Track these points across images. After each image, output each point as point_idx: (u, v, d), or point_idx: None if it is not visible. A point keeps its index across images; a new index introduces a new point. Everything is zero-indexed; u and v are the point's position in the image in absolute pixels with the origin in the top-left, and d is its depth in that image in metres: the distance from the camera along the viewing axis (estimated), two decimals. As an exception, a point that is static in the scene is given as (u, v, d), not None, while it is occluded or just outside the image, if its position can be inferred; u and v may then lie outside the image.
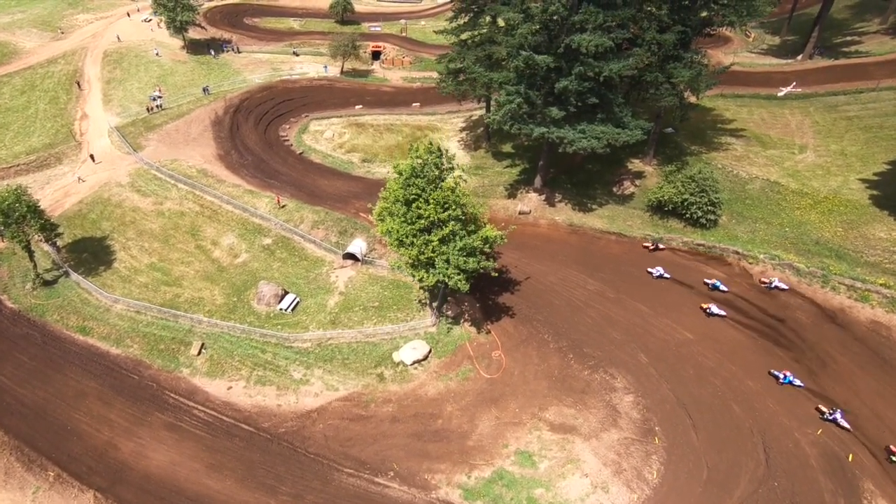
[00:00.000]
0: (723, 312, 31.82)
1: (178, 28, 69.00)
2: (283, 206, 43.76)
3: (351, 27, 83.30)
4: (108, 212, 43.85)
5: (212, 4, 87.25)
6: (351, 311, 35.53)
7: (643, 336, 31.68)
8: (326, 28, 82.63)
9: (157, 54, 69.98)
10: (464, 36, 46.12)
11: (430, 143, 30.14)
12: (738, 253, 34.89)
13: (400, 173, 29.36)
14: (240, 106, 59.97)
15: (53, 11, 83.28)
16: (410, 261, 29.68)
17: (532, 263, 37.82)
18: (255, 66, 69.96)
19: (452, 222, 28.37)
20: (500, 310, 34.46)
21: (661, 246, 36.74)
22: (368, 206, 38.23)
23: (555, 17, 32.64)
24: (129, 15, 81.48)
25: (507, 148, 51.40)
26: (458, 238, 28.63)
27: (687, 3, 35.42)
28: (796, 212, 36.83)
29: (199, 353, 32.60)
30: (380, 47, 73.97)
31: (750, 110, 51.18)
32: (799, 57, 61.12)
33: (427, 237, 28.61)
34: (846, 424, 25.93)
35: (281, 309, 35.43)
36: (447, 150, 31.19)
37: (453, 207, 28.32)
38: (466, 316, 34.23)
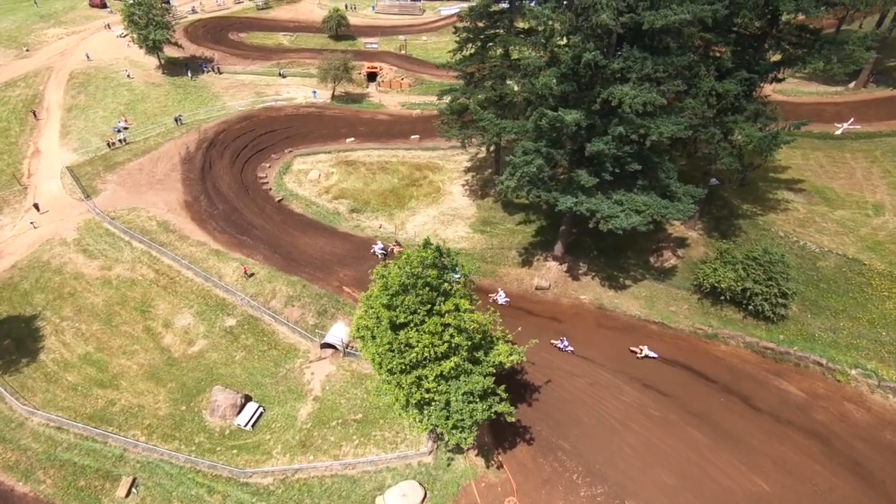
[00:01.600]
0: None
1: (151, 48, 62.01)
2: (252, 276, 36.61)
3: (345, 43, 76.15)
4: (45, 280, 36.79)
5: (195, 17, 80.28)
6: (327, 425, 28.28)
7: (701, 482, 24.30)
8: (319, 44, 75.41)
9: (128, 76, 62.99)
10: (470, 68, 38.79)
11: (428, 245, 22.67)
12: (819, 364, 27.46)
13: (385, 287, 21.95)
14: (215, 139, 52.85)
15: (22, 25, 76.44)
16: (398, 400, 22.30)
17: (553, 359, 30.50)
18: (236, 90, 62.85)
19: (455, 356, 20.99)
20: (514, 431, 27.14)
21: (650, 354, 29.38)
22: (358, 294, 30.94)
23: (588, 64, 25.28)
24: (108, 27, 74.41)
25: (521, 197, 43.98)
26: (461, 376, 21.25)
27: (754, 42, 27.97)
28: (888, 303, 29.34)
29: (129, 493, 25.42)
30: (376, 68, 66.75)
31: (804, 153, 43.69)
32: (852, 85, 53.53)
33: (420, 372, 21.25)
34: None
35: (239, 425, 28.23)
36: (449, 251, 23.75)
37: (456, 335, 20.89)
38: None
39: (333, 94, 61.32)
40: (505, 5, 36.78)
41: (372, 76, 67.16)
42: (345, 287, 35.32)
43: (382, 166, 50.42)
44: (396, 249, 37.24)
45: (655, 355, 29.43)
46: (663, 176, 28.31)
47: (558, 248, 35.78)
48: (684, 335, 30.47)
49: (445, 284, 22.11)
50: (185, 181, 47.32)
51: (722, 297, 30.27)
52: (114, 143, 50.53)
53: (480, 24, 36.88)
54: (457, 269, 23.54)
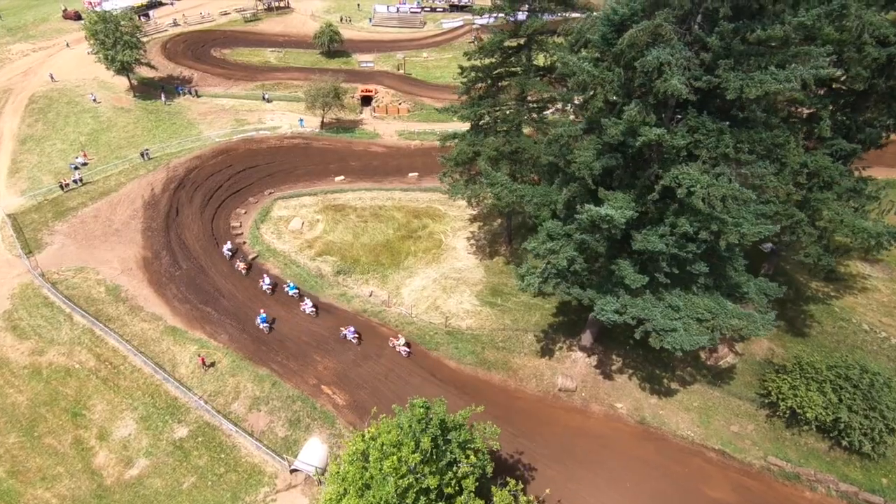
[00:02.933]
0: None
1: (119, 69, 55.50)
2: (212, 366, 30.08)
3: (338, 60, 69.65)
4: (-40, 370, 30.28)
5: (176, 31, 73.76)
6: None
7: None
8: (309, 62, 68.93)
9: (94, 100, 56.50)
10: (480, 111, 32.13)
11: (419, 408, 16.16)
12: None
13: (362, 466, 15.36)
14: (185, 179, 46.29)
15: (-15, 40, 70.06)
16: None
17: (581, 493, 23.88)
18: (214, 117, 56.33)
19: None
20: None
21: None
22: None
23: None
24: (68, 45, 67.61)
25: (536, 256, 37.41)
26: None
27: (856, 101, 21.38)
28: None
29: None
30: (371, 92, 60.19)
31: (871, 208, 37.06)
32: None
33: None
34: None
35: None
36: (456, 426, 17.16)
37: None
38: None
39: (323, 122, 54.77)
40: (522, 40, 30.17)
41: (366, 100, 60.62)
42: (324, 386, 28.70)
43: (376, 212, 43.83)
44: (397, 345, 30.75)
45: None
46: (733, 273, 21.70)
47: (587, 338, 29.18)
48: (754, 471, 23.82)
49: (450, 479, 15.45)
50: (146, 232, 40.78)
51: (801, 419, 23.69)
52: (67, 185, 43.96)
53: (492, 61, 30.20)
54: (468, 445, 16.86)
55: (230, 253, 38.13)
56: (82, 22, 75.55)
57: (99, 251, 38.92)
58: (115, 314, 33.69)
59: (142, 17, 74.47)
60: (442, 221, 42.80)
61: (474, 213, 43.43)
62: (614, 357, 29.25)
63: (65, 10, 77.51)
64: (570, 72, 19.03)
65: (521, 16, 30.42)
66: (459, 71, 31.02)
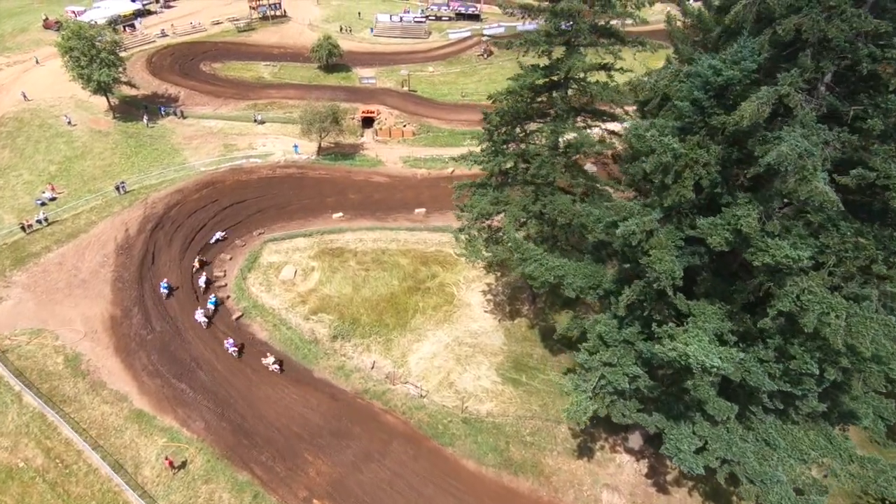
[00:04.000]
0: None
1: (96, 90, 50.46)
2: (182, 468, 25.04)
3: (338, 75, 64.57)
4: None
5: (165, 42, 68.66)
6: None
7: None
8: (306, 77, 63.87)
9: (69, 123, 51.48)
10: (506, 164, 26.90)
11: None
12: None
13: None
14: (164, 217, 41.23)
15: (-43, 53, 65.04)
16: None
17: None
18: (201, 141, 51.27)
19: None
20: None
21: None
22: None
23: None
24: (37, 62, 62.14)
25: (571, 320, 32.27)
26: None
27: None
28: None
29: None
30: (372, 113, 55.09)
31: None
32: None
33: None
34: None
35: None
36: None
37: None
38: None
39: (320, 148, 49.68)
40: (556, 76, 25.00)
41: (368, 122, 55.54)
42: (316, 501, 23.63)
43: (378, 258, 38.73)
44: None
45: None
46: (848, 400, 16.62)
47: (635, 439, 24.11)
48: None
49: None
50: (116, 283, 35.73)
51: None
52: (30, 226, 38.96)
53: (520, 102, 25.04)
54: None
55: (206, 320, 32.93)
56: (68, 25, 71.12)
57: (61, 308, 33.91)
58: (73, 393, 28.67)
59: (127, 28, 69.78)
60: (453, 270, 37.70)
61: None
62: (669, 464, 24.19)
63: (45, 20, 72.39)
64: (647, 148, 13.99)
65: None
66: (483, 116, 25.86)
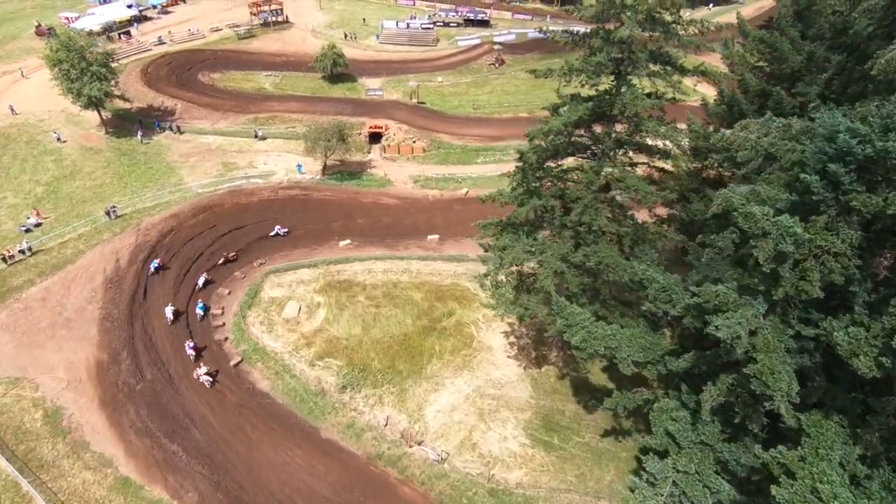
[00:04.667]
0: None
1: (87, 104, 47.43)
2: (174, 555, 22.03)
3: (343, 86, 61.52)
4: None
5: (162, 50, 65.62)
6: None
7: None
8: (310, 89, 60.81)
9: (58, 139, 48.45)
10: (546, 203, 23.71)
11: None
12: None
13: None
14: (158, 245, 38.22)
15: (-56, 62, 62.01)
16: None
17: None
18: (198, 159, 48.24)
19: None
20: None
21: None
22: None
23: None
24: (23, 75, 58.65)
25: (603, 369, 29.12)
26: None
27: None
28: None
29: None
30: (380, 128, 52.02)
31: None
32: None
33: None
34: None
35: None
36: None
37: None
38: None
39: (324, 167, 46.60)
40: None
41: (375, 137, 52.47)
42: None
43: (389, 292, 35.66)
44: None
45: None
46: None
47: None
48: None
49: None
50: (104, 322, 32.70)
51: None
52: (12, 256, 35.93)
53: (560, 139, 21.90)
54: None
55: (198, 362, 30.22)
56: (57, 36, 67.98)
57: (43, 351, 30.88)
58: (52, 457, 25.63)
59: (123, 36, 66.82)
60: (471, 306, 34.60)
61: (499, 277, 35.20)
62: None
63: (38, 26, 69.28)
64: (760, 230, 10.92)
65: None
66: (518, 156, 22.73)
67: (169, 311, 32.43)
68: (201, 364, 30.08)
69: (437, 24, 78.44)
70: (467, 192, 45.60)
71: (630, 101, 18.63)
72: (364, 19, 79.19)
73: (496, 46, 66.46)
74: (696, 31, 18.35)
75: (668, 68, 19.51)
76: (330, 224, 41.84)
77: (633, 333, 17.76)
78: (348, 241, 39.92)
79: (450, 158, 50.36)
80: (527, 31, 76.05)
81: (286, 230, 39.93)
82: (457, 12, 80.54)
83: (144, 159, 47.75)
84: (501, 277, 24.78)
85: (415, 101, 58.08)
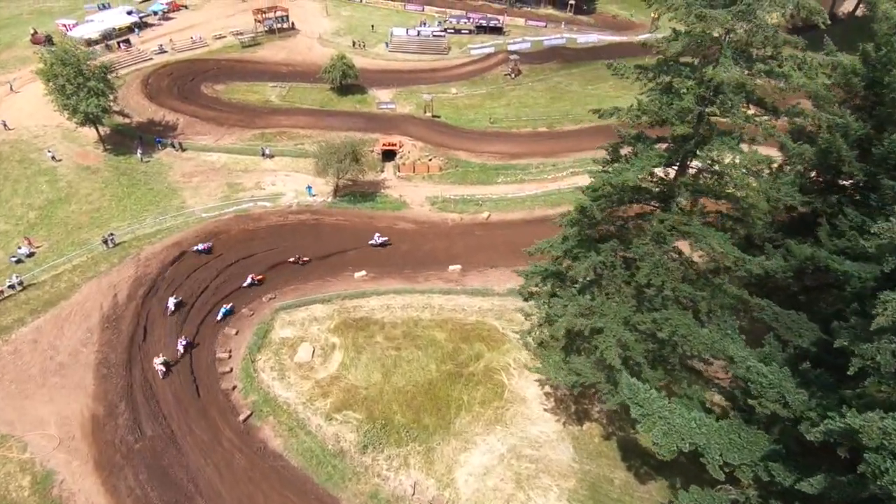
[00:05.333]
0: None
1: (83, 122, 44.66)
2: None
3: (352, 98, 58.68)
4: None
5: (163, 60, 62.78)
6: None
7: None
8: (318, 101, 57.95)
9: (52, 158, 45.64)
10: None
11: None
12: None
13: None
14: (159, 277, 35.45)
15: (-65, 73, 59.13)
16: None
17: None
18: (202, 179, 45.44)
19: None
20: None
21: None
22: None
23: None
24: (12, 88, 55.20)
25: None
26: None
27: None
28: None
29: None
30: (394, 145, 49.18)
31: None
32: None
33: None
34: None
35: None
36: None
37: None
38: None
39: (336, 189, 43.77)
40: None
41: (388, 154, 49.65)
42: None
43: (410, 331, 32.85)
44: None
45: None
46: None
47: None
48: None
49: None
50: (100, 368, 29.94)
51: None
52: (1, 292, 33.14)
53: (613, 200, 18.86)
54: None
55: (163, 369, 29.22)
56: (52, 49, 65.02)
57: (33, 403, 28.16)
58: (40, 535, 22.85)
59: (122, 45, 63.92)
60: (500, 348, 31.78)
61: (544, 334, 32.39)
62: None
63: (34, 34, 66.27)
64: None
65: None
66: (580, 209, 19.72)
67: (158, 363, 29.54)
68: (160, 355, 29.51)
69: (449, 31, 75.51)
70: (489, 215, 42.81)
71: (718, 147, 15.75)
72: (373, 26, 76.26)
73: (512, 56, 63.54)
74: (794, 65, 15.51)
75: (762, 111, 16.69)
76: (345, 253, 39.01)
77: (723, 427, 14.95)
78: (364, 273, 37.11)
79: (468, 178, 47.53)
80: (542, 38, 73.28)
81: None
82: (468, 19, 77.52)
83: (145, 179, 44.96)
84: (546, 336, 21.88)
85: (429, 114, 55.25)
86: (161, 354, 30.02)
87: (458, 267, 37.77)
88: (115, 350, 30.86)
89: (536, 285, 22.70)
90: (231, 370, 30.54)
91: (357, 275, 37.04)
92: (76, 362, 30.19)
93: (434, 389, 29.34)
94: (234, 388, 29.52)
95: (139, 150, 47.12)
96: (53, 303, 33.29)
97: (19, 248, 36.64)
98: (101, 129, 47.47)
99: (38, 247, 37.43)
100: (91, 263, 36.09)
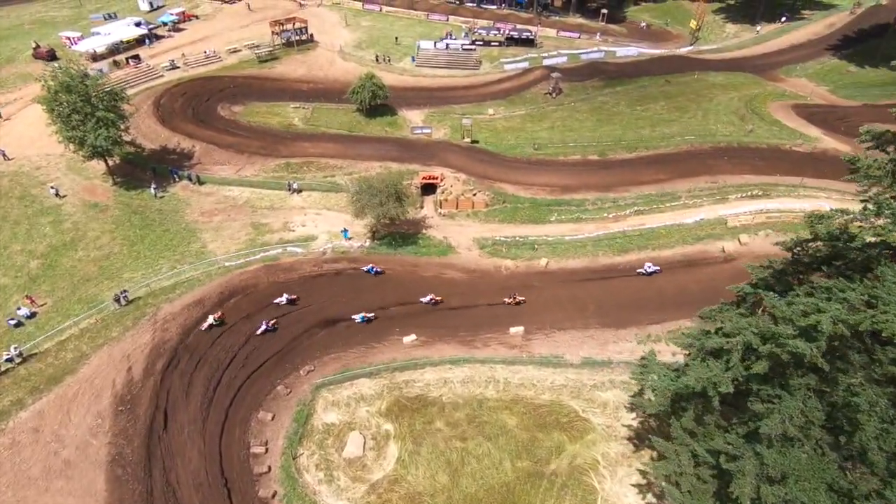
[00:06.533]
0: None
1: (91, 156, 39.91)
2: None
3: (382, 120, 53.88)
4: None
5: (175, 77, 58.01)
6: None
7: None
8: (345, 124, 53.05)
9: (56, 194, 40.93)
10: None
11: None
12: None
13: None
14: (180, 346, 30.65)
15: (-72, 92, 54.45)
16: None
17: None
18: (223, 218, 40.66)
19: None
20: None
21: None
22: None
23: None
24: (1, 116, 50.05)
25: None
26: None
27: None
28: None
29: None
30: (435, 179, 44.32)
31: None
32: None
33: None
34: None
35: None
36: None
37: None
38: None
39: (374, 234, 38.94)
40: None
41: (428, 188, 44.81)
42: None
43: (475, 413, 28.06)
44: None
45: None
46: None
47: None
48: None
49: None
50: (113, 466, 25.21)
51: None
52: (-3, 367, 28.47)
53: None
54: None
55: None
56: (55, 66, 60.08)
57: (34, 515, 23.40)
58: None
59: (131, 61, 59.12)
60: (584, 438, 26.96)
61: (637, 419, 27.57)
62: None
63: (36, 48, 61.43)
64: None
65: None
66: (722, 333, 14.82)
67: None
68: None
69: (477, 43, 70.63)
70: (547, 263, 37.99)
71: None
72: (396, 38, 71.37)
73: (554, 74, 58.60)
74: None
75: None
76: (388, 310, 34.23)
77: None
78: (414, 338, 32.31)
79: (518, 216, 42.67)
80: (579, 52, 68.39)
81: (372, 315, 33.47)
82: (498, 30, 72.61)
83: (159, 219, 40.20)
84: (690, 474, 16.98)
85: (467, 140, 50.39)
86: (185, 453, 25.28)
87: (520, 329, 32.97)
88: (132, 443, 26.12)
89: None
90: (269, 469, 25.78)
91: (406, 340, 32.25)
92: (85, 459, 25.46)
93: (513, 496, 24.59)
94: (275, 495, 24.75)
95: (153, 185, 42.34)
96: (58, 379, 28.56)
97: (19, 308, 31.91)
98: (109, 159, 42.70)
99: (41, 305, 32.72)
100: (101, 327, 31.35)
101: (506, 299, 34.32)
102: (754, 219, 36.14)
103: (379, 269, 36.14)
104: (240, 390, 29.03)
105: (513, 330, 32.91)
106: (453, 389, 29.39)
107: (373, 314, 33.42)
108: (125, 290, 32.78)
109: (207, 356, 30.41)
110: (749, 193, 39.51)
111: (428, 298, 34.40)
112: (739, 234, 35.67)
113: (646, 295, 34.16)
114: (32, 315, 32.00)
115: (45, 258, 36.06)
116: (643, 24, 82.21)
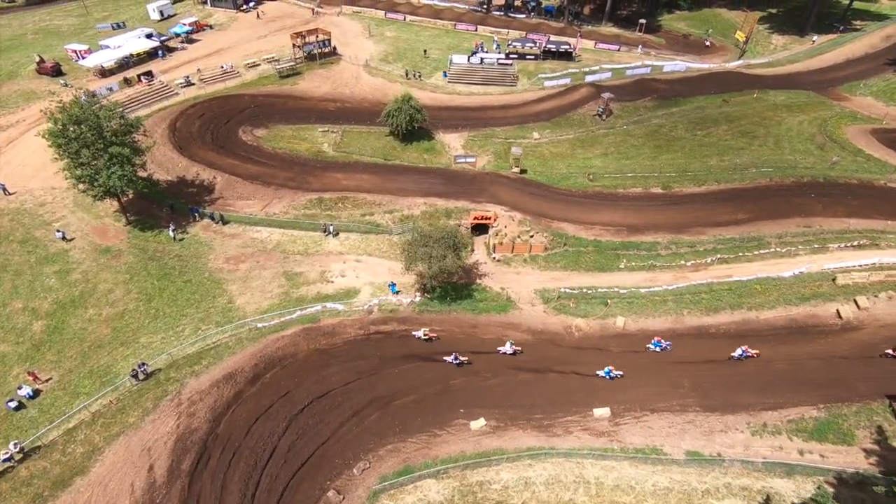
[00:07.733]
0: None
1: (103, 196, 35.16)
2: None
3: (419, 145, 49.00)
4: None
5: (191, 95, 53.25)
6: None
7: None
8: (379, 150, 48.09)
9: (63, 238, 36.20)
10: None
11: None
12: None
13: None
14: (210, 435, 25.88)
15: (-77, 113, 49.70)
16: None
17: None
18: (252, 267, 35.86)
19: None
20: None
21: None
22: None
23: None
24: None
25: None
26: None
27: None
28: None
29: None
30: (488, 219, 39.43)
31: None
32: None
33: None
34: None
35: None
36: None
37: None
38: None
39: (424, 287, 34.05)
40: None
41: (479, 228, 39.98)
42: None
43: (567, 530, 23.24)
44: None
45: None
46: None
47: None
48: None
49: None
50: None
51: None
52: (-6, 469, 23.73)
53: None
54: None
55: None
56: (62, 80, 55.46)
57: None
58: None
59: (143, 78, 54.28)
60: (705, 567, 22.14)
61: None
62: None
63: (40, 63, 56.62)
64: None
65: None
66: None
67: None
68: None
69: (512, 56, 65.73)
70: (625, 323, 33.10)
71: None
72: (425, 51, 66.40)
73: (605, 94, 53.68)
74: None
75: None
76: (448, 385, 29.40)
77: None
78: (483, 423, 27.46)
79: (581, 262, 37.79)
80: (622, 66, 63.39)
81: (466, 359, 30.27)
82: (533, 42, 67.59)
83: (179, 267, 35.42)
84: None
85: (516, 169, 45.54)
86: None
87: (605, 411, 28.08)
88: (156, 573, 21.41)
89: None
90: None
91: (474, 425, 27.40)
92: None
93: None
94: None
95: (171, 226, 37.56)
96: (66, 482, 23.86)
97: (20, 387, 27.15)
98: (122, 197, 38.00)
99: (45, 381, 27.98)
100: (116, 410, 26.61)
101: (598, 372, 29.43)
102: (870, 277, 31.12)
103: (433, 336, 31.30)
104: (283, 496, 24.24)
105: (597, 412, 28.03)
106: (537, 495, 24.57)
107: (466, 358, 29.98)
108: (144, 363, 28.01)
109: (243, 447, 25.64)
110: (854, 243, 34.52)
111: (507, 347, 29.87)
112: (854, 294, 30.69)
113: (751, 369, 29.22)
114: (36, 394, 27.26)
115: (50, 318, 31.31)
116: (683, 34, 77.38)
